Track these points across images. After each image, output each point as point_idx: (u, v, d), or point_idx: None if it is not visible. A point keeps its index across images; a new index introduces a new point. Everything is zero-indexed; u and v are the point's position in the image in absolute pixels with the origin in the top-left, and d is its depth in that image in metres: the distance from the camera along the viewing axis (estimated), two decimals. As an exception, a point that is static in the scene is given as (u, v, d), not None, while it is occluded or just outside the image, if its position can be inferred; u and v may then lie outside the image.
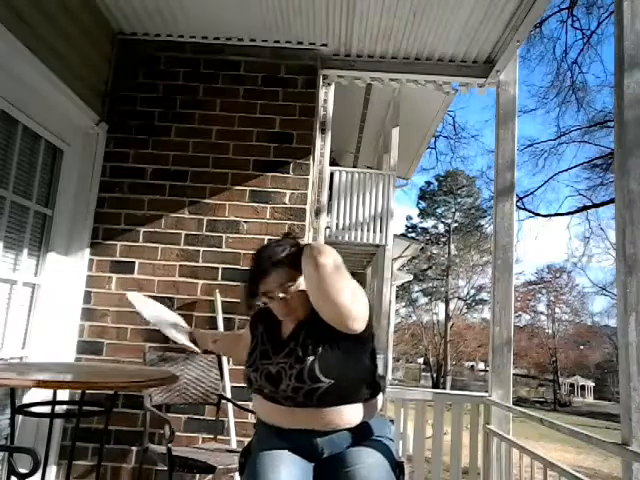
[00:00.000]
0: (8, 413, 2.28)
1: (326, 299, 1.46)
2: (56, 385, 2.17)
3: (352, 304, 1.47)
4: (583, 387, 33.17)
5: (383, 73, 3.45)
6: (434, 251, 33.48)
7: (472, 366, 35.52)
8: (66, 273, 2.99)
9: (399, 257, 11.63)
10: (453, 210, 33.89)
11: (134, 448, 2.89)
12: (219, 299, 2.99)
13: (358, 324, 1.49)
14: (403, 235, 15.53)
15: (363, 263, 10.11)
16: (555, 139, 16.01)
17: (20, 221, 2.68)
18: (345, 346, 1.54)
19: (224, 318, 2.98)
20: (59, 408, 2.68)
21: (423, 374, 33.42)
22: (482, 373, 32.48)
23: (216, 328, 2.96)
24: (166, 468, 2.23)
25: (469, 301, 33.79)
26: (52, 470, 2.85)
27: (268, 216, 3.12)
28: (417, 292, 34.48)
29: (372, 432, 1.61)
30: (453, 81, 3.52)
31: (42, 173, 2.84)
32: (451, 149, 21.36)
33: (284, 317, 1.65)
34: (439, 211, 34.64)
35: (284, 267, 1.59)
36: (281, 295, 1.59)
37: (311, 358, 1.50)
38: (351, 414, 1.55)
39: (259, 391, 1.63)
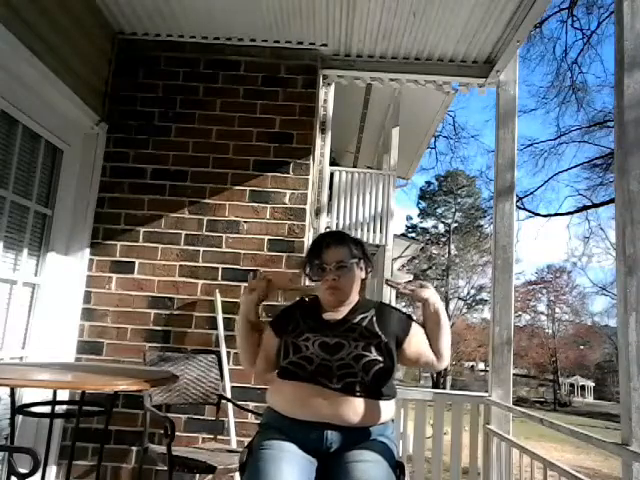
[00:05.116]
0: (8, 413, 2.28)
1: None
2: (56, 385, 2.17)
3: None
4: (583, 387, 33.18)
5: (383, 73, 3.45)
6: (434, 251, 33.49)
7: (472, 366, 35.47)
8: (66, 273, 2.99)
9: (399, 257, 11.63)
10: (453, 210, 33.90)
11: (134, 448, 2.89)
12: (219, 299, 2.99)
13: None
14: (403, 235, 15.52)
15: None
16: (555, 139, 16.01)
17: (20, 221, 2.68)
18: (392, 342, 1.69)
19: (224, 318, 2.97)
20: (59, 408, 2.68)
21: (423, 374, 33.39)
22: (482, 373, 32.43)
23: (216, 328, 2.96)
24: (166, 468, 2.22)
25: (469, 301, 33.79)
26: (52, 470, 2.85)
27: (268, 216, 3.12)
28: (417, 292, 34.40)
29: (375, 433, 1.63)
30: (453, 81, 3.51)
31: (42, 173, 2.84)
32: (451, 149, 21.36)
33: (326, 294, 1.73)
34: (439, 211, 34.64)
35: (348, 248, 1.75)
36: (334, 272, 1.70)
37: (378, 339, 1.65)
38: (376, 413, 1.61)
39: (299, 369, 1.61)
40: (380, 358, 1.62)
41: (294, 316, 1.76)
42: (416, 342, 1.75)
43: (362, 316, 1.72)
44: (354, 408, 1.57)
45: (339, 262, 1.72)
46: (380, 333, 1.67)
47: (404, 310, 1.95)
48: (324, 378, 1.58)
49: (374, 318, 1.72)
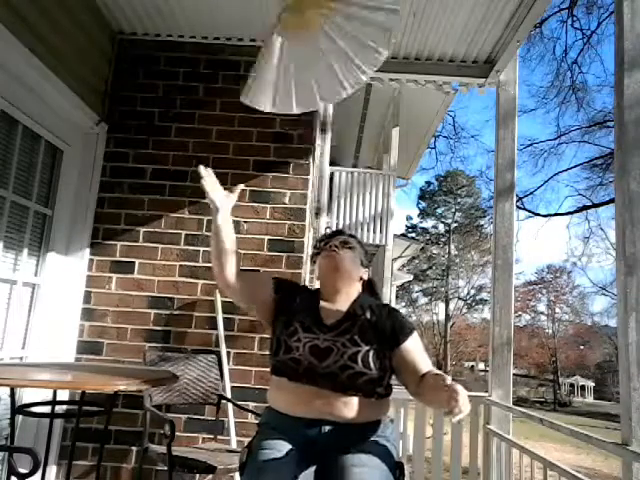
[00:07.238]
0: (8, 413, 2.28)
1: None
2: (56, 385, 2.17)
3: None
4: (583, 387, 33.17)
5: (383, 73, 3.44)
6: (434, 251, 33.51)
7: (472, 366, 35.48)
8: (66, 273, 2.99)
9: (399, 257, 11.63)
10: (453, 210, 33.90)
11: (134, 448, 2.89)
12: (219, 299, 2.99)
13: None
14: (403, 235, 15.50)
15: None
16: (555, 139, 16.06)
17: (20, 221, 2.68)
18: (385, 346, 1.67)
19: (224, 318, 2.97)
20: (59, 408, 2.68)
21: (423, 374, 33.30)
22: (482, 373, 32.43)
23: (216, 328, 2.96)
24: (166, 468, 2.22)
25: (469, 301, 33.80)
26: (52, 470, 2.85)
27: (268, 216, 3.12)
28: (417, 292, 34.50)
29: (374, 432, 1.63)
30: (453, 81, 3.52)
31: (42, 173, 2.84)
32: (451, 149, 21.44)
33: (328, 273, 1.79)
34: (439, 211, 34.65)
35: (352, 238, 1.86)
36: (338, 249, 1.79)
37: (368, 347, 1.62)
38: (371, 409, 1.62)
39: (288, 369, 1.62)
40: (365, 370, 1.58)
41: (293, 303, 1.76)
42: (413, 354, 1.68)
43: (359, 319, 1.71)
44: (348, 405, 1.58)
45: (344, 242, 1.82)
46: (372, 340, 1.64)
47: (404, 314, 1.93)
48: (313, 380, 1.59)
49: (369, 322, 1.69)
